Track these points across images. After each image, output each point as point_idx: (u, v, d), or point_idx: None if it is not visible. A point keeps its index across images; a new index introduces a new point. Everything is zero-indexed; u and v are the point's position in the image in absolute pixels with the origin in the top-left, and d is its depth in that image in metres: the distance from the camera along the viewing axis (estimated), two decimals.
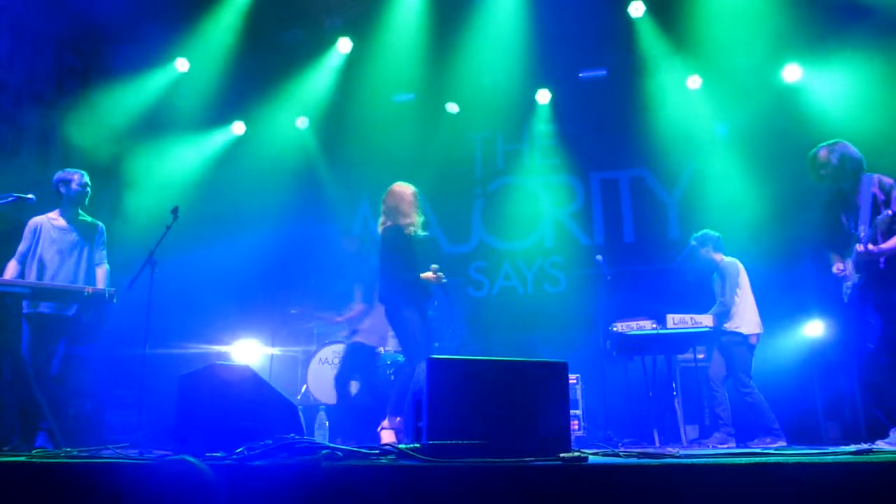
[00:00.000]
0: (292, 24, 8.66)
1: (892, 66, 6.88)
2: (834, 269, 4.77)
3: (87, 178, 5.42)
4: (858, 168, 4.67)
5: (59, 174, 5.40)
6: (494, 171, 9.53)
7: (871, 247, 4.43)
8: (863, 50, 7.11)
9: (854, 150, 4.73)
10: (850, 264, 4.68)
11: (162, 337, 5.74)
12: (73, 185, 5.35)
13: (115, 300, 5.24)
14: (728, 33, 7.62)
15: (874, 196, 4.52)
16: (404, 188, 5.60)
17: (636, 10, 8.15)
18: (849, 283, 4.69)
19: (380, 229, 5.48)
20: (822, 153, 4.76)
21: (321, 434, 5.44)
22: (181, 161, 8.18)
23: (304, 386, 7.23)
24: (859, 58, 7.14)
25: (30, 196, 4.92)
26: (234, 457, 2.79)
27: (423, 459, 2.80)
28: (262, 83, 8.76)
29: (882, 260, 4.44)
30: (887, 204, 4.49)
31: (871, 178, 4.59)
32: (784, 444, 5.72)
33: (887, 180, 4.56)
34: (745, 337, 6.16)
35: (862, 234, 4.48)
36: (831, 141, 4.80)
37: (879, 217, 4.47)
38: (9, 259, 5.21)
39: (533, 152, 9.34)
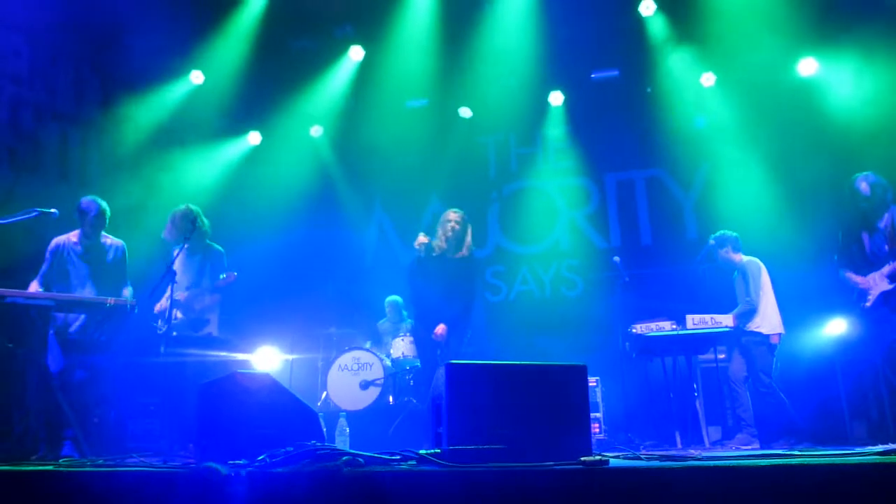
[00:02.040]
0: (304, 34, 8.73)
1: None
2: (858, 281, 5.29)
3: (102, 208, 5.43)
4: (892, 196, 5.19)
5: (80, 202, 5.42)
6: (508, 174, 9.54)
7: None
8: (879, 43, 7.05)
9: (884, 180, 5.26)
10: (874, 277, 5.17)
11: (183, 345, 5.79)
12: (88, 218, 5.39)
13: (136, 311, 5.31)
14: (740, 28, 7.57)
15: None
16: None
17: (647, 8, 8.11)
18: (872, 295, 5.15)
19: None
20: (864, 185, 5.23)
21: (342, 440, 5.46)
22: (199, 172, 8.26)
23: (324, 392, 7.26)
24: (875, 50, 7.07)
25: (52, 210, 4.99)
26: (256, 464, 2.81)
27: (444, 465, 2.80)
28: (276, 93, 8.84)
29: None
30: None
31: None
32: (809, 444, 5.66)
33: None
34: (766, 337, 6.11)
35: None
36: (863, 173, 5.28)
37: None
38: (32, 274, 5.28)
39: (547, 155, 9.33)
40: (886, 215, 5.13)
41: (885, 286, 5.09)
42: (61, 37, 7.02)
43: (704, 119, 8.54)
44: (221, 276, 5.87)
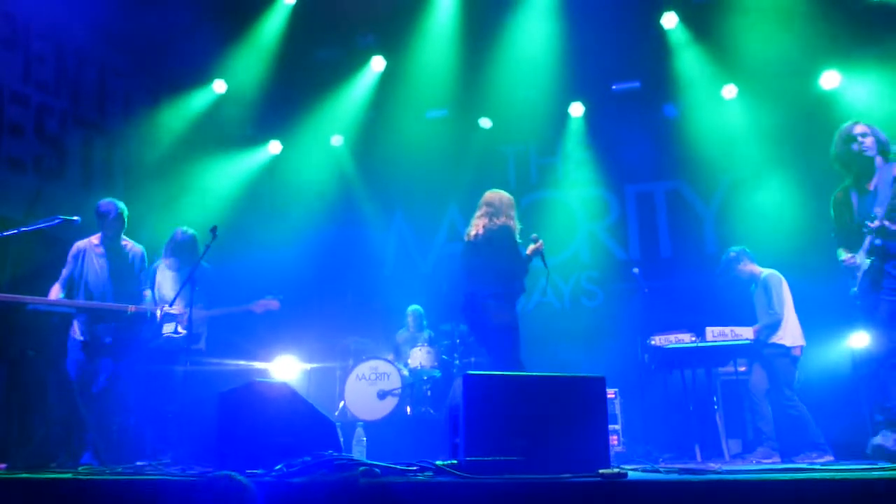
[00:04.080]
0: (326, 44, 8.79)
1: None
2: (844, 259, 4.58)
3: (120, 210, 5.46)
4: (887, 152, 4.47)
5: (99, 205, 5.46)
6: (528, 185, 9.52)
7: (886, 222, 4.23)
8: None
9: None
10: (860, 254, 4.46)
11: (202, 353, 5.84)
12: (108, 220, 5.41)
13: (156, 319, 5.37)
14: (763, 41, 7.51)
15: None
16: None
17: (669, 21, 8.10)
18: (860, 273, 4.46)
19: (481, 230, 5.32)
20: (860, 126, 4.53)
21: (359, 450, 5.46)
22: (220, 180, 8.33)
23: (342, 402, 7.27)
24: None
25: (75, 218, 5.05)
26: (274, 473, 2.82)
27: (461, 476, 2.79)
28: (298, 102, 8.90)
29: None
30: None
31: (894, 164, 4.39)
32: (830, 458, 5.58)
33: None
34: (788, 349, 6.05)
35: (878, 214, 4.29)
36: (860, 122, 4.61)
37: None
38: (55, 282, 5.33)
39: (567, 166, 9.31)
40: (877, 175, 4.40)
41: (865, 264, 4.39)
42: (86, 45, 7.12)
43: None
44: (259, 301, 5.97)
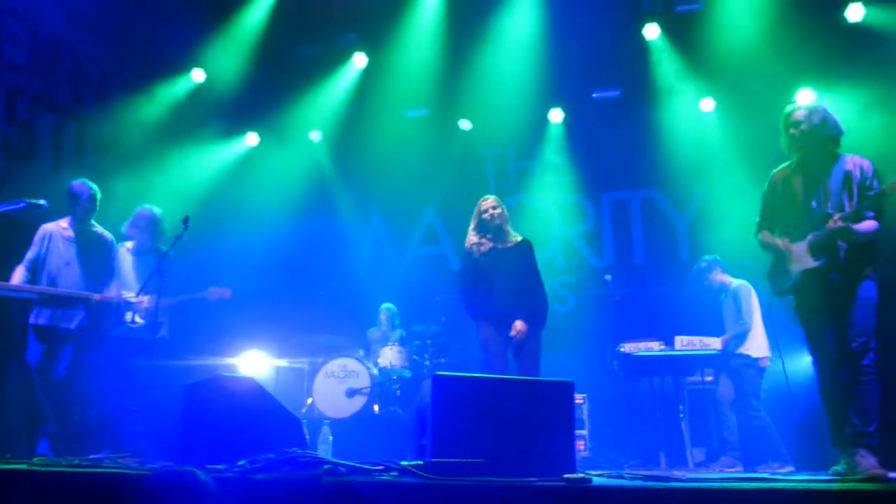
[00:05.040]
0: (308, 39, 8.73)
1: None
2: (781, 245, 4.20)
3: (94, 192, 5.36)
4: (836, 138, 4.15)
5: (72, 185, 5.35)
6: (506, 188, 9.51)
7: (853, 226, 3.84)
8: (876, 76, 7.09)
9: (837, 119, 4.18)
10: (800, 246, 4.10)
11: (169, 347, 5.74)
12: (80, 201, 5.32)
13: (122, 307, 5.27)
14: (742, 57, 7.60)
15: (848, 174, 4.04)
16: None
17: (651, 32, 8.16)
18: (792, 269, 4.11)
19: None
20: (801, 112, 4.16)
21: (325, 448, 5.42)
22: (194, 170, 8.22)
23: (310, 399, 7.21)
24: (872, 83, 7.11)
25: (41, 202, 4.94)
26: (236, 469, 2.78)
27: (426, 477, 2.77)
28: (277, 95, 8.82)
29: (845, 245, 3.91)
30: (864, 185, 3.97)
31: (846, 156, 4.13)
32: (792, 469, 5.66)
33: (867, 162, 4.06)
34: (755, 360, 6.12)
35: (835, 212, 3.93)
36: (813, 104, 4.33)
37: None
38: (18, 264, 5.20)
39: (544, 171, 9.32)
40: (836, 166, 4.06)
41: (809, 262, 3.99)
42: (62, 29, 7.00)
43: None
44: (212, 289, 5.87)
